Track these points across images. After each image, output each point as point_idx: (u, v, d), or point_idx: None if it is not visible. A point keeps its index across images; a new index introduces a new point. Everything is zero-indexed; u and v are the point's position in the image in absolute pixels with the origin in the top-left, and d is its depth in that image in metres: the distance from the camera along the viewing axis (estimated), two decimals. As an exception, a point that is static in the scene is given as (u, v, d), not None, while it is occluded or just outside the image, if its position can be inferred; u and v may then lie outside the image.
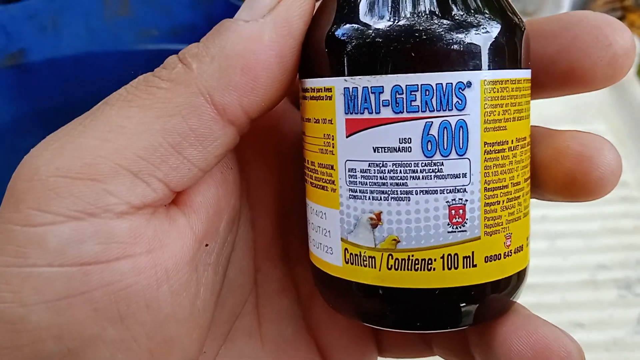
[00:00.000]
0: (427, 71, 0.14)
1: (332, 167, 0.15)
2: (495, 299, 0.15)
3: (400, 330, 0.16)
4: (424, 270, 0.14)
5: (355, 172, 0.15)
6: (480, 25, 0.14)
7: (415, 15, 0.14)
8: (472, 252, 0.14)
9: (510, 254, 0.15)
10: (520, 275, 0.16)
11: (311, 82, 0.16)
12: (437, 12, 0.14)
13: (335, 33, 0.15)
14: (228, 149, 0.15)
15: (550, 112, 0.38)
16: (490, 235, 0.14)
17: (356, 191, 0.15)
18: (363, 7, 0.15)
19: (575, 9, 0.56)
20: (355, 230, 0.15)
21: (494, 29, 0.14)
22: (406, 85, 0.14)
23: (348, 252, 0.15)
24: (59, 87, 0.41)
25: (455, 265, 0.14)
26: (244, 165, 0.18)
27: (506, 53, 0.15)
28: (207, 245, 0.15)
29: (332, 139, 0.15)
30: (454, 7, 0.14)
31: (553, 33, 0.16)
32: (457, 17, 0.14)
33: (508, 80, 0.14)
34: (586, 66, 0.16)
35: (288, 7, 0.14)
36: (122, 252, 0.13)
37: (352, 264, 0.15)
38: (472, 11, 0.14)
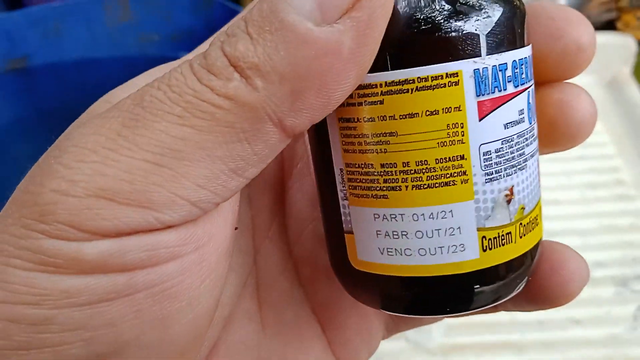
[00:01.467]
0: (523, 46, 0.15)
1: (462, 157, 0.15)
2: None
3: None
4: (536, 226, 0.16)
5: (491, 154, 0.15)
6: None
7: None
8: (535, 216, 0.17)
9: (536, 222, 0.17)
10: None
11: (415, 72, 0.14)
12: None
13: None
14: None
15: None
16: (538, 203, 0.17)
17: (492, 173, 0.15)
18: None
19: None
20: (493, 213, 0.15)
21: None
22: (518, 60, 0.15)
23: (486, 239, 0.15)
24: (61, 91, 0.42)
25: (540, 216, 0.17)
26: None
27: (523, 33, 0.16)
28: (236, 228, 0.14)
29: (461, 127, 0.14)
30: None
31: None
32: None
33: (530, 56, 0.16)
34: (538, 58, 0.16)
35: (372, 7, 0.12)
36: (171, 255, 0.12)
37: (491, 249, 0.15)
38: None
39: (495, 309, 0.19)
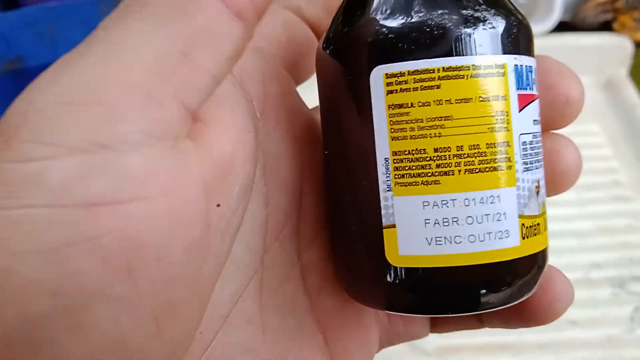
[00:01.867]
0: (532, 55, 0.17)
1: (507, 144, 0.16)
2: None
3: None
4: (546, 227, 0.17)
5: (527, 144, 0.16)
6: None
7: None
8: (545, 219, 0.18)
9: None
10: None
11: (471, 59, 0.16)
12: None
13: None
14: (237, 51, 0.13)
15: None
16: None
17: (527, 163, 0.16)
18: None
19: (567, 13, 0.56)
20: (529, 201, 0.16)
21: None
22: (536, 67, 0.17)
23: (525, 227, 0.16)
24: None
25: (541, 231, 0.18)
26: (264, 135, 0.17)
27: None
28: (218, 205, 0.14)
29: (507, 115, 0.16)
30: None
31: None
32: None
33: None
34: None
35: None
36: (137, 192, 0.11)
37: (528, 237, 0.16)
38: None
39: (480, 324, 0.20)
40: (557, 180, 0.18)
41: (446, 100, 0.16)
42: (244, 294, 0.17)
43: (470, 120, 0.16)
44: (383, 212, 0.16)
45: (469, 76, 0.16)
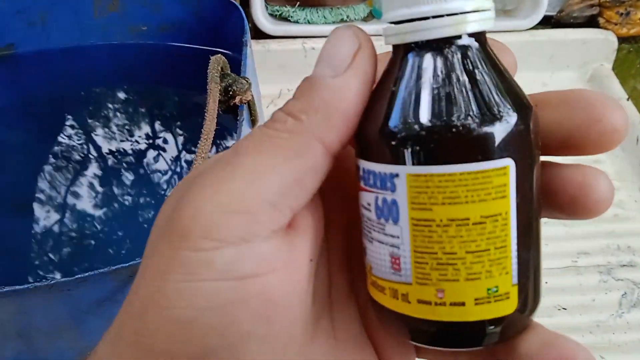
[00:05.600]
0: (374, 162, 0.18)
1: None
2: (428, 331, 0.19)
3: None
4: (381, 292, 0.19)
5: (363, 217, 0.19)
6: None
7: None
8: (407, 292, 0.19)
9: (444, 304, 0.18)
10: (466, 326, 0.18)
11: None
12: None
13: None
14: (328, 172, 0.19)
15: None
16: (420, 285, 0.18)
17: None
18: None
19: (553, 7, 0.57)
20: None
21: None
22: (367, 169, 0.19)
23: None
24: (48, 79, 0.41)
25: (397, 297, 0.19)
26: (322, 191, 0.21)
27: (437, 150, 0.17)
28: (311, 260, 0.19)
29: None
30: None
31: (554, 104, 0.19)
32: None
33: (434, 175, 0.17)
34: (578, 137, 0.18)
35: (363, 61, 0.18)
36: (269, 268, 0.17)
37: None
38: None
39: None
40: (591, 209, 0.19)
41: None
42: (322, 314, 0.22)
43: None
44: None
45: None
